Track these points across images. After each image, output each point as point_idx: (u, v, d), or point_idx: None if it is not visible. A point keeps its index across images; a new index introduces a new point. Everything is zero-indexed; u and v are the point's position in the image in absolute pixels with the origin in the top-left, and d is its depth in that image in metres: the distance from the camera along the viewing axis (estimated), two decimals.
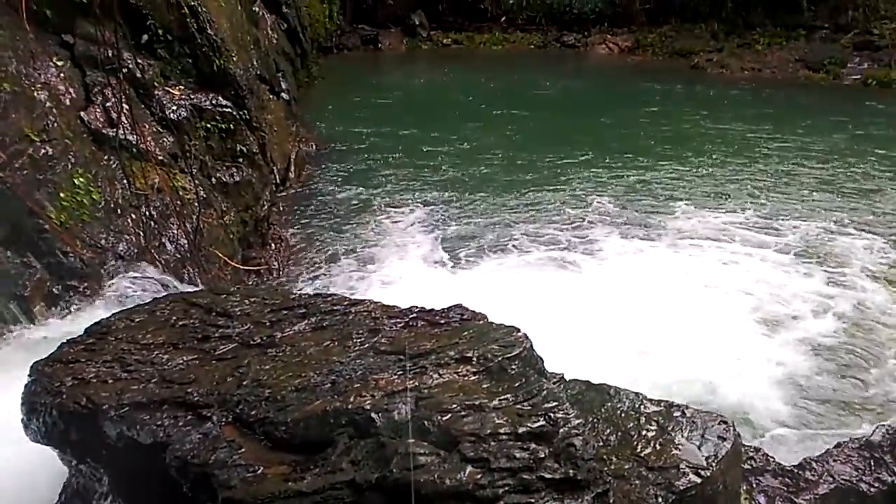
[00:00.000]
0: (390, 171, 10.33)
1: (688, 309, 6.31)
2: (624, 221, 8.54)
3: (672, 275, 7.08)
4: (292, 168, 9.87)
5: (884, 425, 3.84)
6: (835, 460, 3.73)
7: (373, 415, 2.47)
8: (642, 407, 2.85)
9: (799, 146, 11.78)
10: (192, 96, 7.41)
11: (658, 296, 6.50)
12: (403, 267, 7.43)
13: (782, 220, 8.55)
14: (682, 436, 2.67)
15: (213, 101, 7.55)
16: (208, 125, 7.44)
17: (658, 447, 2.61)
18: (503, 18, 24.20)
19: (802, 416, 5.09)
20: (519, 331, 3.16)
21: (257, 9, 12.03)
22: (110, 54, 5.97)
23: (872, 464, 3.71)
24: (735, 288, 6.81)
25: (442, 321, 3.34)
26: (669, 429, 2.70)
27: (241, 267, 7.06)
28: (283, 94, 11.38)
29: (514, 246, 7.88)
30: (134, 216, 6.13)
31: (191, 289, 5.61)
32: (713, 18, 22.23)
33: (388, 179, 10.02)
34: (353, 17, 22.93)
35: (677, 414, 2.80)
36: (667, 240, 8.03)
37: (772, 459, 3.68)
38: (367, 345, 3.03)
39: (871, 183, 9.90)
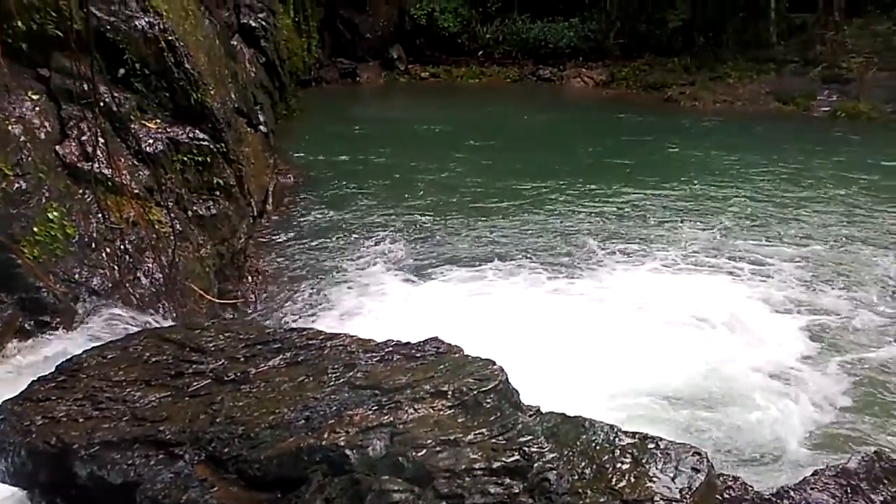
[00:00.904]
0: (368, 202, 10.37)
1: (671, 333, 6.35)
2: (604, 247, 8.64)
3: (650, 299, 7.13)
4: (270, 200, 9.87)
5: (860, 453, 3.87)
6: (812, 488, 3.75)
7: (347, 451, 2.46)
8: (617, 439, 2.85)
9: (775, 172, 12.06)
10: (169, 129, 7.40)
11: (635, 321, 6.56)
12: (382, 298, 7.42)
13: (757, 242, 8.73)
14: (657, 468, 2.68)
15: (190, 135, 7.55)
16: (185, 158, 7.43)
17: (632, 480, 2.61)
18: (480, 53, 24.54)
19: (780, 444, 5.12)
20: (494, 364, 3.16)
21: (236, 42, 12.13)
22: (86, 88, 5.97)
23: (849, 491, 3.73)
24: (712, 311, 6.87)
25: (418, 354, 3.34)
26: (644, 461, 2.71)
27: (218, 301, 7.01)
28: (261, 127, 11.42)
29: (494, 275, 7.90)
30: (108, 250, 6.09)
31: (166, 323, 5.57)
32: (685, 53, 22.70)
33: (366, 210, 10.05)
34: (331, 51, 23.15)
35: (651, 446, 2.81)
36: (649, 263, 8.12)
37: (750, 488, 3.69)
38: (342, 380, 3.02)
39: (846, 205, 10.19)
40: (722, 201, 10.43)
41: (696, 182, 11.51)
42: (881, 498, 3.61)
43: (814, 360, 6.13)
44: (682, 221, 9.59)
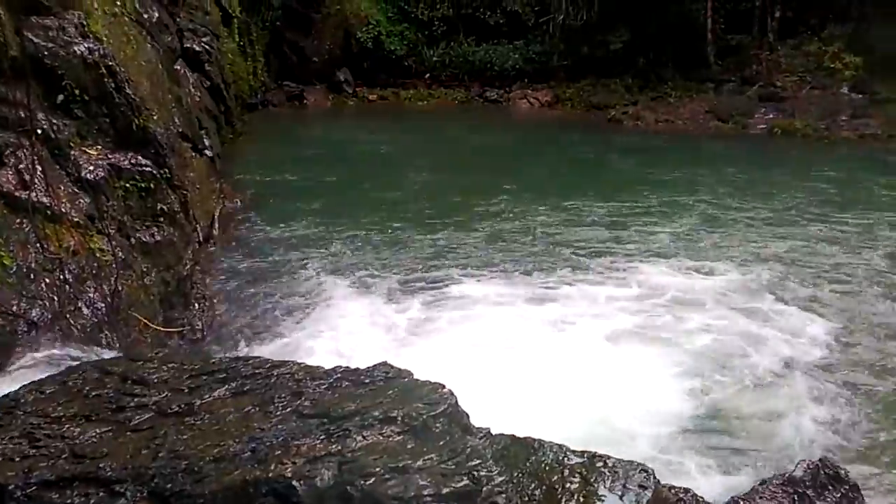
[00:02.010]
0: (317, 223, 10.30)
1: (606, 353, 6.43)
2: (554, 256, 8.78)
3: (593, 316, 7.24)
4: (216, 225, 9.72)
5: (804, 460, 3.97)
6: (761, 497, 3.82)
7: (294, 483, 2.43)
8: (566, 459, 2.88)
9: (720, 185, 12.46)
10: (110, 156, 7.24)
11: (577, 339, 6.64)
12: (331, 322, 7.35)
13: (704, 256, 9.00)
14: (605, 486, 2.71)
15: (132, 161, 7.40)
16: (127, 185, 7.28)
17: (581, 499, 2.64)
18: (427, 75, 24.73)
19: (728, 455, 5.21)
20: (444, 387, 3.17)
21: (179, 67, 11.97)
22: (22, 115, 5.83)
23: (796, 499, 3.82)
24: (655, 326, 7.02)
25: (366, 380, 3.32)
26: (592, 480, 2.74)
27: (163, 329, 6.86)
28: (207, 151, 11.27)
29: (444, 293, 7.90)
30: (48, 280, 5.91)
31: (109, 355, 5.42)
32: (627, 74, 23.24)
33: (315, 231, 9.98)
34: (278, 75, 23.02)
35: (599, 464, 2.84)
36: (593, 276, 8.25)
37: (701, 499, 3.75)
38: (289, 409, 2.98)
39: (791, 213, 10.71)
40: (669, 212, 10.78)
41: (645, 194, 11.86)
42: None
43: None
44: (629, 228, 9.91)
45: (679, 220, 10.41)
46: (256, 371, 3.32)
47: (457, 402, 3.04)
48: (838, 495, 3.81)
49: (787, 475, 3.93)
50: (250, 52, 19.27)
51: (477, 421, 3.19)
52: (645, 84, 22.53)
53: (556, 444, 3.00)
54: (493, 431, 3.16)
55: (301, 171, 13.52)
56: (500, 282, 8.13)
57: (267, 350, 6.47)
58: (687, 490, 3.81)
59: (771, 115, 19.34)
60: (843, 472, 3.90)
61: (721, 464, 5.00)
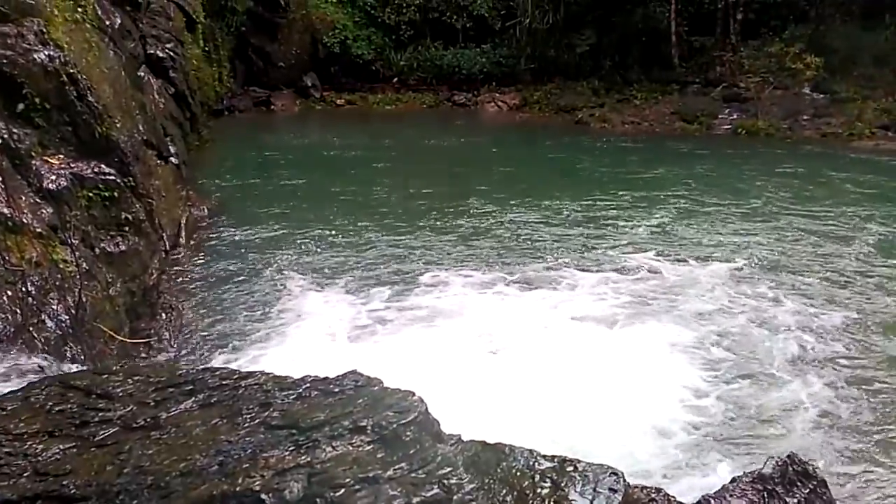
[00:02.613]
0: (284, 228, 10.23)
1: (572, 354, 6.47)
2: (519, 262, 8.80)
3: (558, 317, 7.28)
4: (182, 233, 9.60)
5: (773, 457, 4.02)
6: (731, 495, 3.85)
7: (262, 496, 2.39)
8: (536, 464, 2.88)
9: (689, 184, 12.65)
10: (73, 165, 7.12)
11: (542, 341, 6.67)
12: (300, 328, 7.30)
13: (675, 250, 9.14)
14: (575, 491, 2.72)
15: (96, 169, 7.29)
16: (90, 194, 7.16)
17: None
18: (395, 79, 24.73)
19: (701, 453, 5.27)
20: (414, 394, 3.14)
21: (143, 73, 11.82)
22: None
23: (766, 496, 3.85)
24: (618, 326, 7.10)
25: (336, 389, 3.29)
26: (563, 484, 2.74)
27: (129, 340, 6.76)
28: (172, 159, 11.13)
29: (414, 299, 7.88)
30: (10, 293, 5.78)
31: (74, 368, 5.32)
32: (594, 76, 23.48)
33: (283, 236, 9.91)
34: (244, 80, 22.86)
35: (570, 469, 2.85)
36: (564, 280, 8.29)
37: (673, 499, 3.78)
38: (257, 420, 2.94)
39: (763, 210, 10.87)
40: (645, 207, 10.93)
41: (619, 193, 12.03)
42: (795, 500, 3.75)
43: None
44: (606, 224, 10.06)
45: (656, 215, 10.59)
46: (224, 382, 3.27)
47: (427, 409, 3.02)
48: (807, 491, 3.86)
49: (756, 472, 3.98)
50: (215, 58, 19.06)
51: (451, 424, 3.19)
52: (611, 86, 22.77)
53: (527, 450, 3.00)
54: (465, 437, 3.17)
55: (268, 175, 13.44)
56: (473, 279, 8.15)
57: (235, 358, 6.42)
58: (658, 490, 3.83)
59: (735, 116, 19.67)
60: (811, 468, 3.95)
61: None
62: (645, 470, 4.74)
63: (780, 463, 4.01)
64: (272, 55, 23.25)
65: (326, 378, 3.45)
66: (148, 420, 3.00)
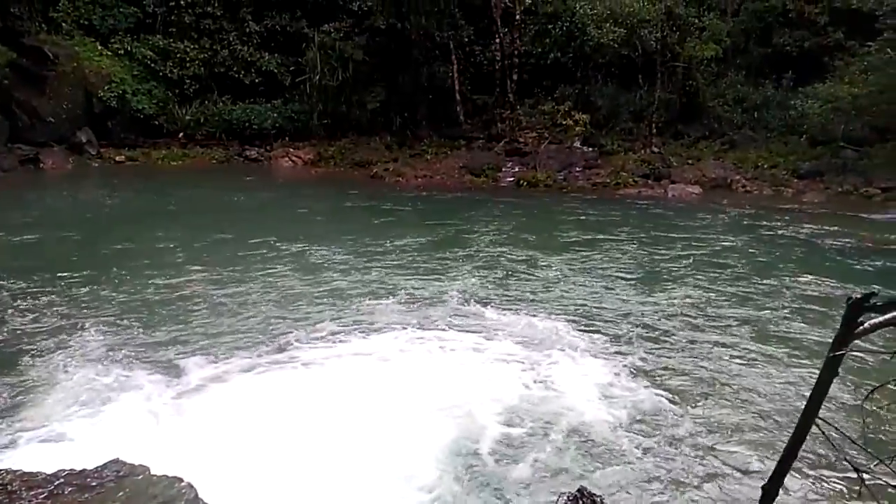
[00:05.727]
0: (54, 299, 9.20)
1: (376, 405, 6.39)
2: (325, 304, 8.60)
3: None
4: None
5: (565, 492, 4.17)
6: None
7: None
8: None
9: (466, 232, 13.08)
10: None
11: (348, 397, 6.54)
12: (64, 413, 6.51)
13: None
14: None
15: None
16: None
17: None
18: (181, 134, 23.76)
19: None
20: (182, 481, 2.92)
21: None
22: None
23: None
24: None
25: (94, 483, 2.97)
26: None
27: None
28: None
29: (191, 362, 7.38)
30: None
31: None
32: (386, 132, 24.09)
33: (53, 309, 8.87)
34: (8, 137, 20.86)
35: None
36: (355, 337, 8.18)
37: None
38: None
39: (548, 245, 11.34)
40: (438, 260, 11.07)
41: (409, 239, 12.10)
42: None
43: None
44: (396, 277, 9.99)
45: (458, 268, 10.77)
46: None
47: (196, 494, 2.81)
48: None
49: None
50: None
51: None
52: (403, 142, 23.49)
53: None
54: None
55: (32, 243, 12.18)
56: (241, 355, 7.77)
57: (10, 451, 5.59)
58: None
59: (517, 169, 21.01)
60: (598, 499, 4.16)
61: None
62: None
63: (570, 497, 4.19)
64: (40, 109, 21.43)
65: (84, 470, 3.11)
66: None
